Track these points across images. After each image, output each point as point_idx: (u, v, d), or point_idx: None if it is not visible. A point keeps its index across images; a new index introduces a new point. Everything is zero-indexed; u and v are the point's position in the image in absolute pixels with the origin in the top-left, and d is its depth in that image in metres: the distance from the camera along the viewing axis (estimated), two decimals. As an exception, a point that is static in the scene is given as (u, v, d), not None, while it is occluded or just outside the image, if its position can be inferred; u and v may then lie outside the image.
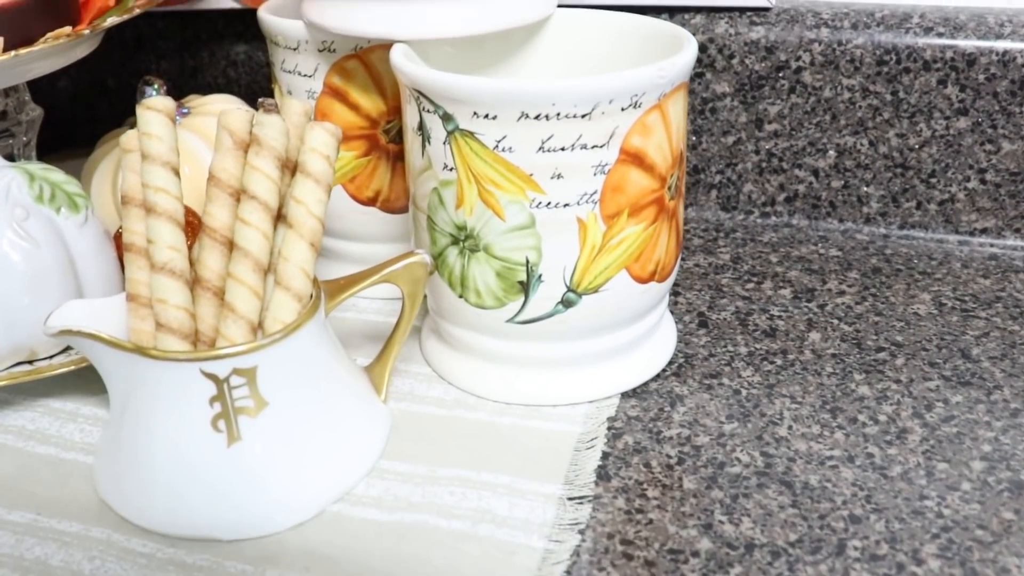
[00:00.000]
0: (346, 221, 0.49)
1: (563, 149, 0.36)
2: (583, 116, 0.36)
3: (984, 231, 0.55)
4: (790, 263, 0.53)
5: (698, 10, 0.55)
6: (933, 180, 0.54)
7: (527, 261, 0.39)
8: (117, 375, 0.37)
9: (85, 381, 0.44)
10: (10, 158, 0.51)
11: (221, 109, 0.53)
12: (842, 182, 0.56)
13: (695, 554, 0.34)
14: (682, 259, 0.54)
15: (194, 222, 0.44)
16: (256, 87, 0.64)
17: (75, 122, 0.70)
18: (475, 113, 0.36)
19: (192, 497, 0.36)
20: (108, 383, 0.38)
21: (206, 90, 0.65)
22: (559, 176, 0.37)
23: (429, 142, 0.39)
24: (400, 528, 0.36)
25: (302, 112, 0.40)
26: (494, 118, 0.36)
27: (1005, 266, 0.52)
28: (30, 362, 0.44)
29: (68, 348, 0.45)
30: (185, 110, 0.54)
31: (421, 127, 0.39)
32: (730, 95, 0.55)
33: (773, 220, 0.58)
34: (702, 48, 0.54)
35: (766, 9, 0.54)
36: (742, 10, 0.54)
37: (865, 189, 0.55)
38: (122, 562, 0.35)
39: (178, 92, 0.65)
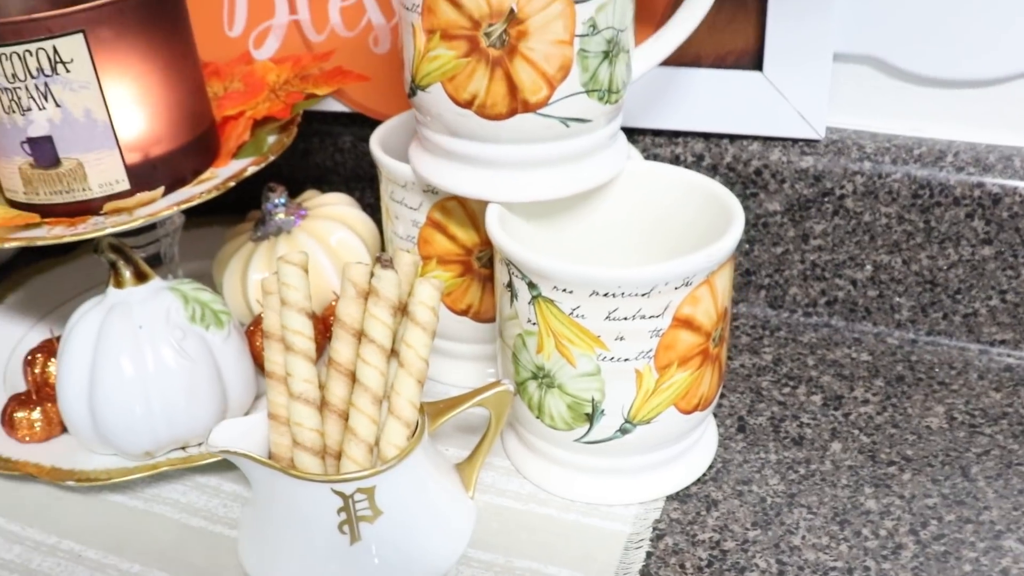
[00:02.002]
0: (444, 326, 0.59)
1: (625, 319, 0.47)
2: (643, 295, 0.46)
3: (1003, 342, 0.64)
4: (824, 367, 0.63)
5: (756, 138, 0.64)
6: (959, 296, 0.63)
7: (592, 399, 0.49)
8: (263, 481, 0.48)
9: (225, 463, 0.56)
10: (157, 258, 0.63)
11: (341, 219, 0.65)
12: (877, 292, 0.65)
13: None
14: (729, 358, 0.64)
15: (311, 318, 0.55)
16: (360, 171, 0.75)
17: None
18: (555, 287, 0.47)
19: (321, 582, 0.48)
20: (253, 483, 0.49)
21: (315, 171, 0.76)
22: (621, 338, 0.47)
23: (516, 299, 0.49)
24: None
25: (412, 263, 0.51)
26: (570, 292, 0.47)
27: (1018, 378, 0.61)
28: (183, 448, 0.56)
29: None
30: (304, 211, 0.65)
31: (510, 286, 0.50)
32: (780, 213, 0.65)
33: (814, 320, 0.67)
34: (757, 172, 0.64)
35: (815, 141, 0.63)
36: (795, 140, 0.63)
37: (897, 299, 0.65)
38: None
39: (291, 172, 0.76)
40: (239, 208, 0.72)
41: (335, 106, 0.72)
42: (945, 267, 0.63)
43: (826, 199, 0.63)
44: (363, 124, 0.74)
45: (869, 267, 0.65)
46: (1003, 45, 0.59)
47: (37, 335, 0.68)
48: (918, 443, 0.57)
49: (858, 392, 0.61)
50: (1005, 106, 0.61)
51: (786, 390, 0.61)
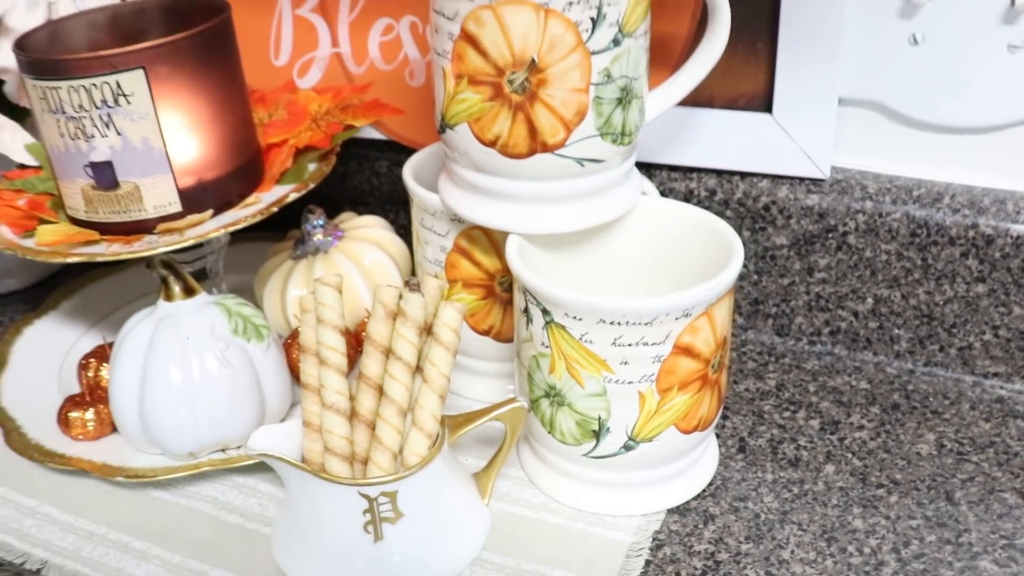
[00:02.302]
0: (466, 344, 0.64)
1: (630, 345, 0.51)
2: (646, 324, 0.51)
3: (996, 375, 0.68)
4: (824, 393, 0.67)
5: (764, 176, 0.68)
6: (954, 330, 0.67)
7: (599, 417, 0.54)
8: (295, 482, 0.53)
9: (263, 464, 0.61)
10: (202, 272, 0.68)
11: (375, 241, 0.70)
12: (878, 323, 0.69)
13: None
14: (734, 382, 0.68)
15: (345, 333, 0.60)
16: (394, 195, 0.80)
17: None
18: (566, 314, 0.52)
19: (346, 577, 0.53)
20: (286, 484, 0.54)
21: (352, 193, 0.81)
22: (626, 363, 0.52)
23: (532, 323, 0.54)
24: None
25: (437, 288, 0.56)
26: (580, 319, 0.51)
27: (1008, 410, 0.65)
28: (223, 450, 0.61)
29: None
30: (340, 233, 0.70)
31: (527, 311, 0.54)
32: (787, 247, 0.69)
33: (818, 348, 0.71)
34: (766, 208, 0.68)
35: (821, 180, 0.67)
36: (801, 179, 0.68)
37: (896, 331, 0.69)
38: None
39: (329, 193, 0.81)
40: (279, 226, 0.77)
41: (372, 133, 0.77)
42: (941, 302, 0.67)
43: (830, 235, 0.68)
44: (398, 150, 0.79)
45: (870, 300, 0.69)
46: (1000, 95, 0.63)
47: (89, 340, 0.74)
48: (907, 468, 0.61)
49: (854, 418, 0.65)
50: (1000, 152, 0.65)
51: (786, 414, 0.65)
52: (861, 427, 0.64)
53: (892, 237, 0.66)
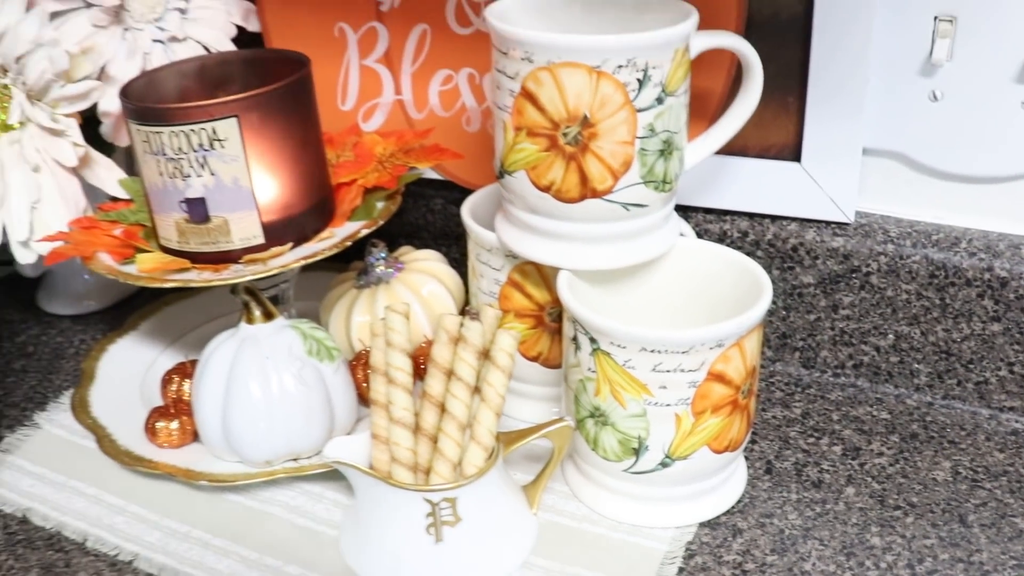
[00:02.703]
0: (517, 369, 0.70)
1: (668, 371, 0.58)
2: (682, 352, 0.57)
3: (1012, 409, 0.73)
4: (847, 422, 0.73)
5: (793, 219, 0.74)
6: (971, 366, 0.73)
7: (639, 436, 0.60)
8: (365, 488, 0.60)
9: (330, 473, 0.67)
10: (275, 298, 0.75)
11: (432, 273, 0.76)
12: (899, 358, 0.75)
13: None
14: (763, 410, 0.74)
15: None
16: (448, 230, 0.87)
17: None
18: (611, 342, 0.58)
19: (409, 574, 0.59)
20: (356, 489, 0.61)
21: (408, 227, 0.88)
22: (664, 387, 0.58)
23: (579, 350, 0.60)
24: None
25: (494, 317, 0.62)
26: (624, 347, 0.58)
27: (1022, 442, 0.71)
28: (295, 459, 0.67)
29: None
30: (400, 265, 0.77)
31: (575, 339, 0.61)
32: (813, 285, 0.75)
33: (842, 380, 0.77)
34: (794, 249, 0.74)
35: (846, 224, 0.73)
36: (827, 223, 0.74)
37: (916, 366, 0.74)
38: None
39: (388, 227, 0.88)
40: (343, 257, 0.84)
41: (429, 173, 0.84)
42: (959, 339, 0.73)
43: (854, 275, 0.74)
44: (452, 189, 0.86)
45: (891, 336, 0.74)
46: (1013, 148, 0.69)
47: (167, 358, 0.81)
48: (923, 492, 0.66)
49: (875, 445, 0.70)
50: (1013, 200, 0.71)
51: (811, 440, 0.71)
52: (881, 454, 0.70)
53: (912, 278, 0.72)
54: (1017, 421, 0.72)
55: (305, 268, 0.85)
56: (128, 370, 0.80)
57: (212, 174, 0.64)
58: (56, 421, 0.76)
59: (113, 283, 0.91)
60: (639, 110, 0.58)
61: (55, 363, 0.85)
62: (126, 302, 0.93)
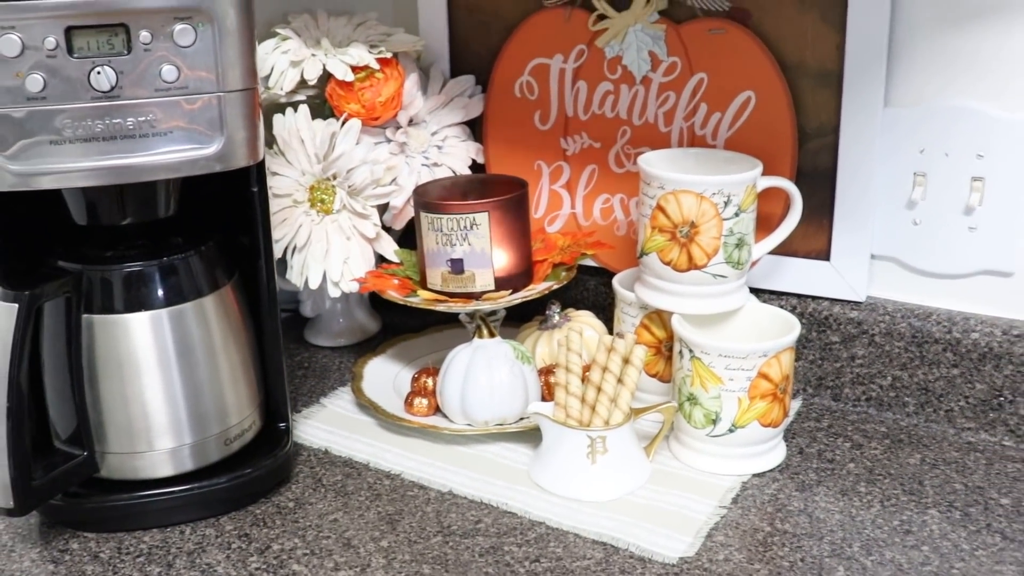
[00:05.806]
0: (642, 381, 1.15)
1: (734, 370, 1.02)
2: (743, 358, 1.02)
3: (968, 429, 1.15)
4: (856, 431, 1.15)
5: (824, 299, 1.19)
6: (941, 399, 1.16)
7: (716, 412, 1.04)
8: (549, 429, 1.05)
9: (522, 434, 1.13)
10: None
11: (588, 323, 1.23)
12: (895, 393, 1.18)
13: None
14: (802, 422, 1.17)
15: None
16: (599, 301, 1.34)
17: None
18: (702, 351, 1.03)
19: (575, 488, 1.04)
20: (544, 431, 1.06)
21: (571, 300, 1.35)
22: (732, 379, 1.03)
23: (683, 358, 1.06)
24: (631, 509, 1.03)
25: (632, 339, 1.08)
26: (708, 354, 1.03)
27: (971, 448, 1.12)
28: (501, 423, 1.13)
29: (522, 419, 1.14)
30: (568, 318, 1.23)
31: (680, 352, 1.06)
32: (838, 343, 1.19)
33: (858, 409, 1.20)
34: (825, 318, 1.19)
35: (859, 302, 1.18)
36: (847, 301, 1.18)
37: (906, 398, 1.17)
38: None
39: (561, 296, 1.35)
40: (526, 314, 1.31)
41: (587, 261, 1.31)
42: (932, 380, 1.15)
43: (864, 336, 1.17)
44: (599, 273, 1.33)
45: (889, 378, 1.18)
46: (966, 255, 1.13)
47: (406, 373, 1.28)
48: (900, 468, 1.09)
49: (873, 444, 1.13)
50: (966, 289, 1.14)
51: (830, 439, 1.14)
52: (875, 448, 1.12)
53: (901, 338, 1.16)
54: (971, 435, 1.14)
55: (504, 320, 1.34)
56: (382, 376, 1.27)
57: (469, 244, 1.13)
58: (334, 404, 1.24)
59: (358, 326, 1.41)
60: (724, 219, 1.05)
61: (324, 373, 1.33)
62: (367, 342, 1.41)
